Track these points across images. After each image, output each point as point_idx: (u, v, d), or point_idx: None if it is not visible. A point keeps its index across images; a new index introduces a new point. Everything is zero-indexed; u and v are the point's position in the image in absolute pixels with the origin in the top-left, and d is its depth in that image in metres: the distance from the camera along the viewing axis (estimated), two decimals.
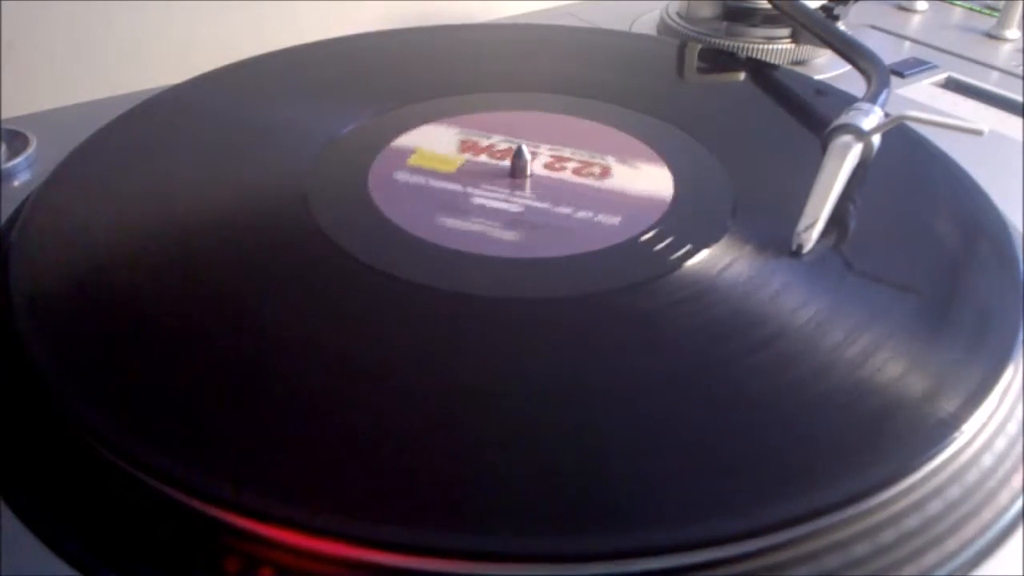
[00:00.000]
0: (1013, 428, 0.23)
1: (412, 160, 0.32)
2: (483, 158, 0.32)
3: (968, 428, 0.21)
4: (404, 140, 0.33)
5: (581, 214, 0.29)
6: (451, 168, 0.31)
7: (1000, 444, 0.22)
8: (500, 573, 0.18)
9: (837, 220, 0.29)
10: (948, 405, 0.22)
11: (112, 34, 0.48)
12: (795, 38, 0.46)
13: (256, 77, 0.38)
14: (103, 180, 0.30)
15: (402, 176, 0.31)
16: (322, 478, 0.20)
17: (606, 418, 0.21)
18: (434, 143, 0.33)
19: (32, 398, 0.22)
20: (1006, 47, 0.52)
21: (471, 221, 0.29)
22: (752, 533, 0.19)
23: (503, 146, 0.33)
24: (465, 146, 0.33)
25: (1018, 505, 0.21)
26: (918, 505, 0.20)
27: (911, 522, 0.20)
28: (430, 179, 0.31)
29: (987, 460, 0.22)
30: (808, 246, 0.27)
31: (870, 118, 0.31)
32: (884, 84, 0.35)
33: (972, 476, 0.21)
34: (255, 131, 0.34)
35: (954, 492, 0.21)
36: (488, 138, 0.33)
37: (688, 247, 0.27)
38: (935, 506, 0.20)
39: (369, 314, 0.25)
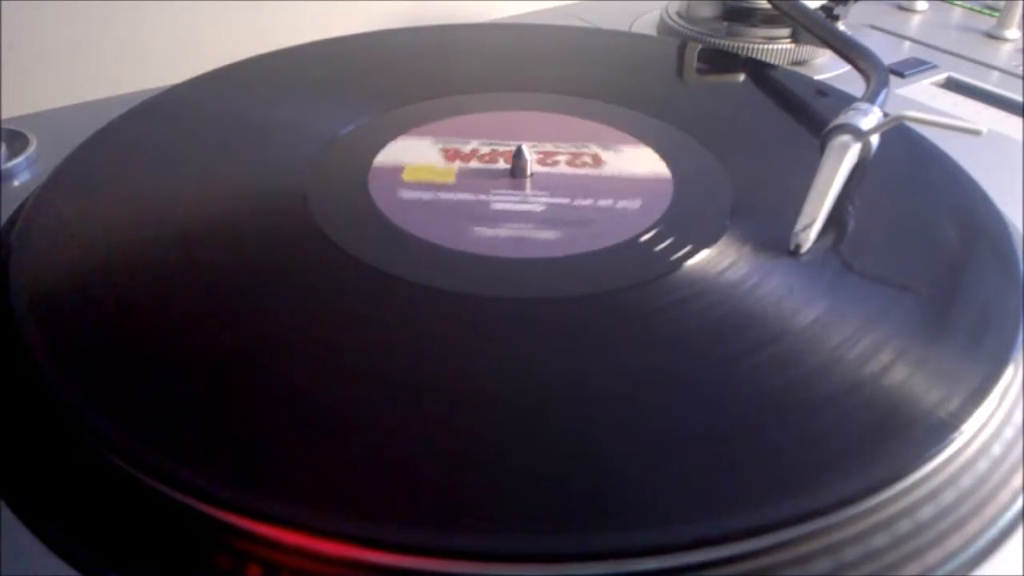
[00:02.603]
0: (1013, 428, 0.23)
1: (407, 176, 0.31)
2: (474, 164, 0.32)
3: (968, 428, 0.21)
4: (385, 157, 0.32)
5: (602, 203, 0.30)
6: (449, 178, 0.31)
7: (1000, 444, 0.22)
8: (500, 573, 0.18)
9: (837, 220, 0.29)
10: (948, 405, 0.22)
11: (112, 34, 0.48)
12: (795, 38, 0.46)
13: (256, 77, 0.38)
14: (103, 180, 0.30)
15: (408, 194, 0.30)
16: (321, 478, 0.20)
17: (606, 418, 0.21)
18: (417, 156, 0.32)
19: (32, 398, 0.22)
20: (1006, 47, 0.52)
21: (504, 227, 0.28)
22: (753, 533, 0.19)
23: (485, 149, 0.33)
24: (449, 154, 0.33)
25: (1018, 504, 0.21)
26: (918, 504, 0.20)
27: (912, 521, 0.20)
28: (434, 193, 0.30)
29: (987, 460, 0.22)
30: (806, 246, 0.27)
31: (869, 118, 0.31)
32: (883, 84, 0.35)
33: (972, 476, 0.21)
34: (255, 131, 0.34)
35: (954, 492, 0.21)
36: (467, 143, 0.33)
37: (688, 247, 0.27)
38: (935, 505, 0.20)
39: (369, 314, 0.25)
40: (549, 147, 0.33)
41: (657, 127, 0.35)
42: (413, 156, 0.32)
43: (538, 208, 0.30)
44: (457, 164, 0.32)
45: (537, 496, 0.19)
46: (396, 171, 0.31)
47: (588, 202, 0.30)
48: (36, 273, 0.26)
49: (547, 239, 0.28)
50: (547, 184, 0.31)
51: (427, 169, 0.32)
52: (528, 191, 0.30)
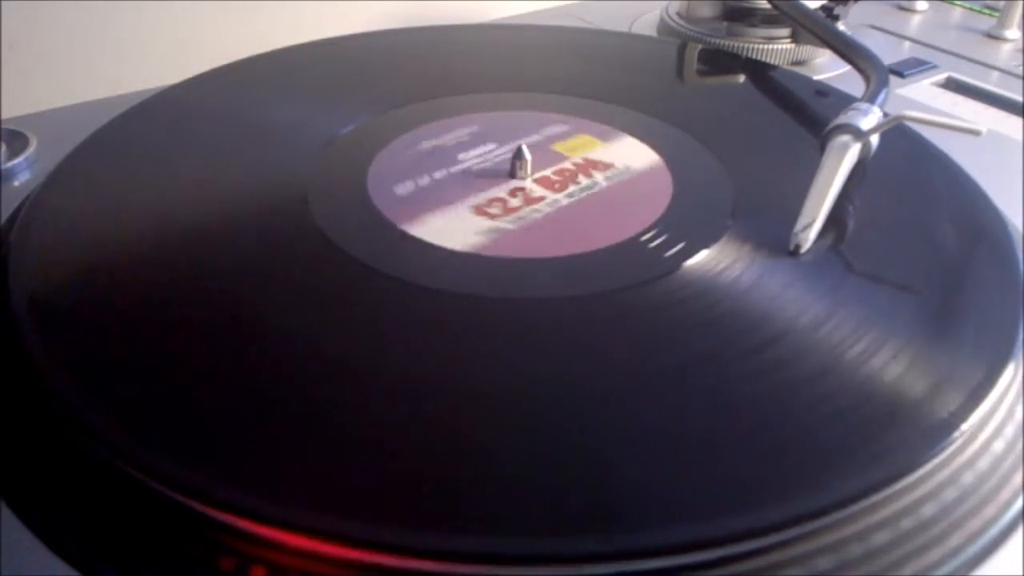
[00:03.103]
0: (1013, 427, 0.23)
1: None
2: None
3: (968, 427, 0.21)
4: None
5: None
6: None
7: (1000, 443, 0.22)
8: (500, 574, 0.18)
9: (837, 220, 0.29)
10: (948, 404, 0.22)
11: (112, 34, 0.48)
12: (795, 38, 0.46)
13: (256, 77, 0.38)
14: (103, 180, 0.30)
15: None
16: (321, 478, 0.20)
17: (606, 418, 0.21)
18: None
19: (32, 398, 0.22)
20: (1006, 47, 0.52)
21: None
22: (752, 533, 0.19)
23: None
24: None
25: (1019, 504, 0.21)
26: (919, 504, 0.20)
27: (912, 521, 0.20)
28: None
29: (987, 459, 0.22)
30: (806, 246, 0.27)
31: (868, 118, 0.31)
32: (883, 84, 0.35)
33: (972, 475, 0.21)
34: (255, 131, 0.34)
35: (954, 491, 0.21)
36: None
37: (688, 247, 0.27)
38: (935, 505, 0.20)
39: (369, 314, 0.25)
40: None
41: (657, 127, 0.35)
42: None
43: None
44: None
45: (537, 497, 0.19)
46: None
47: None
48: (36, 273, 0.26)
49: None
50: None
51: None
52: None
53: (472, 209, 0.29)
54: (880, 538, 0.20)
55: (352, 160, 0.32)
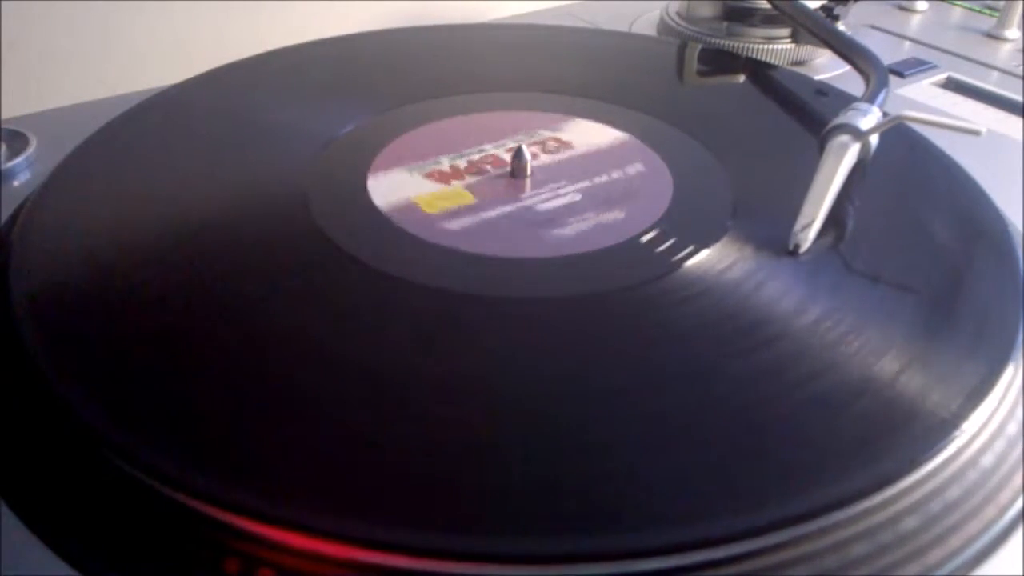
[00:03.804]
0: (1014, 427, 0.23)
1: (428, 209, 0.29)
2: (485, 169, 0.32)
3: (968, 427, 0.21)
4: (385, 196, 0.30)
5: (616, 173, 0.30)
6: (466, 199, 0.30)
7: (1000, 443, 0.22)
8: (501, 574, 0.18)
9: (837, 220, 0.29)
10: (948, 404, 0.22)
11: (112, 34, 0.48)
12: (795, 38, 0.46)
13: (256, 77, 0.38)
14: (103, 180, 0.30)
15: (453, 225, 0.28)
16: (321, 478, 0.20)
17: (606, 419, 0.21)
18: (413, 187, 0.30)
19: (32, 398, 0.22)
20: (1006, 47, 0.52)
21: (575, 221, 0.29)
22: (752, 533, 0.19)
23: (480, 154, 0.33)
24: (446, 175, 0.31)
25: (1019, 504, 0.21)
26: (919, 504, 0.20)
27: (912, 521, 0.20)
28: (475, 215, 0.29)
29: (988, 459, 0.22)
30: (805, 246, 0.27)
31: (868, 118, 0.31)
32: (883, 84, 0.35)
33: (973, 475, 0.21)
34: (255, 131, 0.34)
35: (955, 491, 0.21)
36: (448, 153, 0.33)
37: (688, 247, 0.27)
38: (936, 505, 0.20)
39: (369, 314, 0.25)
40: (549, 146, 0.33)
41: (657, 127, 0.35)
42: (410, 188, 0.30)
43: (545, 207, 0.30)
44: (465, 180, 0.31)
45: (537, 497, 0.19)
46: (412, 209, 0.29)
47: (593, 197, 0.30)
48: (36, 273, 0.26)
49: (615, 219, 0.29)
50: (548, 184, 0.31)
51: (440, 196, 0.30)
52: (528, 191, 0.30)
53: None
54: (880, 538, 0.20)
55: (352, 160, 0.32)
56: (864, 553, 0.19)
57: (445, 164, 0.32)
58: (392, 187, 0.30)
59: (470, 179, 0.31)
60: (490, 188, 0.31)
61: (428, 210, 0.29)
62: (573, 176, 0.31)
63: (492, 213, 0.29)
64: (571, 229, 0.28)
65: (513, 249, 0.27)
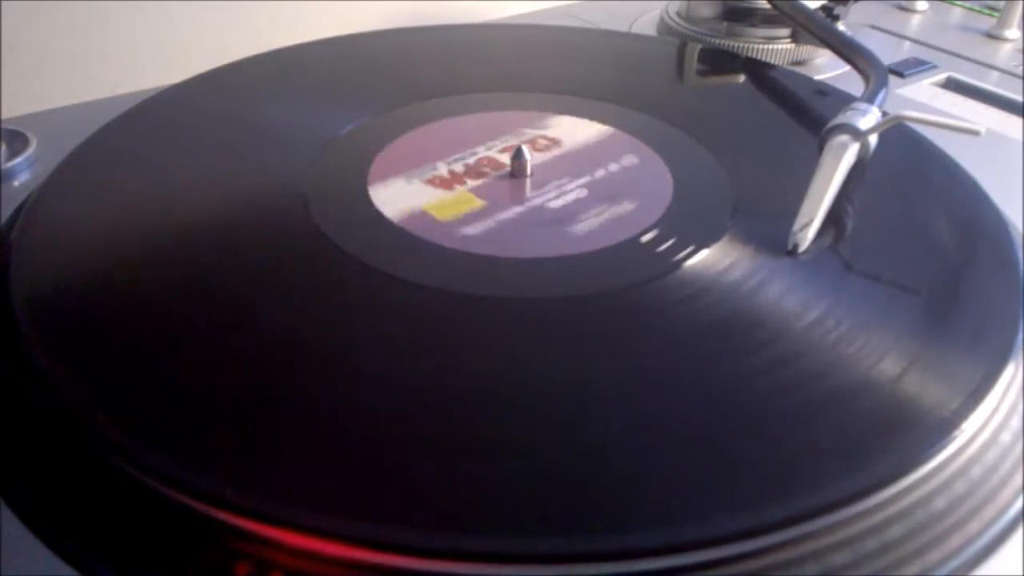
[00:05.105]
0: (1014, 427, 0.23)
1: (441, 216, 0.29)
2: (484, 172, 0.32)
3: (968, 427, 0.21)
4: (393, 207, 0.29)
5: (613, 166, 0.31)
6: (476, 204, 0.30)
7: (1001, 443, 0.22)
8: (501, 574, 0.18)
9: (836, 220, 0.29)
10: (948, 404, 0.22)
11: (112, 34, 0.48)
12: (795, 38, 0.46)
13: (256, 77, 0.38)
14: (103, 180, 0.30)
15: (471, 231, 0.28)
16: (321, 478, 0.20)
17: (606, 419, 0.21)
18: (420, 195, 0.30)
19: (32, 398, 0.22)
20: (1006, 47, 0.52)
21: (590, 216, 0.29)
22: (751, 532, 0.19)
23: (480, 155, 0.33)
24: (446, 180, 0.31)
25: (1019, 504, 0.21)
26: (919, 504, 0.20)
27: (912, 521, 0.20)
28: (490, 218, 0.29)
29: (988, 459, 0.22)
30: (804, 245, 0.27)
31: (867, 118, 0.31)
32: (882, 84, 0.35)
33: (973, 475, 0.21)
34: (255, 131, 0.34)
35: (954, 491, 0.21)
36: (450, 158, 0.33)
37: (688, 247, 0.27)
38: (936, 505, 0.20)
39: (369, 314, 0.25)
40: (549, 146, 0.33)
41: (657, 127, 0.35)
42: (416, 197, 0.30)
43: (545, 207, 0.30)
44: (468, 184, 0.31)
45: (537, 496, 0.19)
46: (424, 217, 0.29)
47: (603, 171, 0.31)
48: (36, 273, 0.26)
49: (627, 210, 0.29)
50: (549, 183, 0.31)
51: (450, 203, 0.30)
52: (529, 191, 0.30)
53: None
54: (880, 538, 0.20)
55: (352, 160, 0.32)
56: (864, 552, 0.19)
57: (443, 169, 0.32)
58: (396, 196, 0.30)
59: (472, 183, 0.31)
60: (496, 190, 0.31)
61: (441, 217, 0.29)
62: (572, 172, 0.31)
63: (507, 215, 0.29)
64: (585, 225, 0.28)
65: (534, 249, 0.27)
